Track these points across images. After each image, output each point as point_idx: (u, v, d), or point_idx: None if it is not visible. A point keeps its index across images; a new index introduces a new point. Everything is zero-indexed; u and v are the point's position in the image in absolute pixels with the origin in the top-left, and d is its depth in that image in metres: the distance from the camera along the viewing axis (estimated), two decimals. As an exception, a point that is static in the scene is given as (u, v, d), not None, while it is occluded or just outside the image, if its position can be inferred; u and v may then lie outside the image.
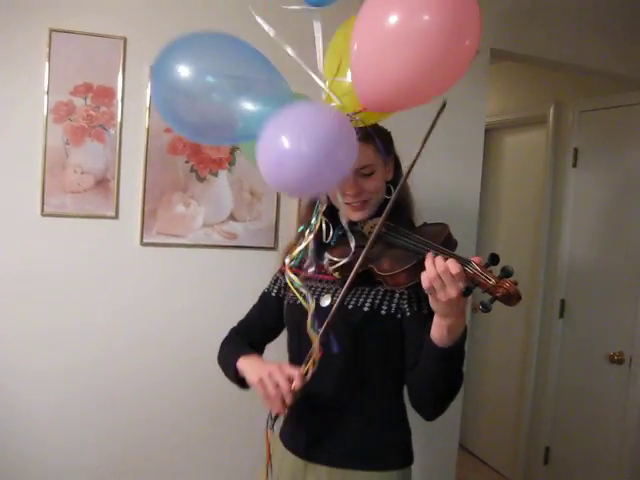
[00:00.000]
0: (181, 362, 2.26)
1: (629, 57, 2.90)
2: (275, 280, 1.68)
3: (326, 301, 1.47)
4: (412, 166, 1.31)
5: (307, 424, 1.51)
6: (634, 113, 3.07)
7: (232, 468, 2.35)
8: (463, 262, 1.17)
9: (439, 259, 1.16)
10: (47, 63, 2.02)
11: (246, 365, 1.44)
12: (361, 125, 1.35)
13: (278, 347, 1.65)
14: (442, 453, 2.70)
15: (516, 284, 1.12)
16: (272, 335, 1.68)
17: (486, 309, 1.11)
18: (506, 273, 1.12)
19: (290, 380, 1.30)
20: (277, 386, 1.29)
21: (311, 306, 1.34)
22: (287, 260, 1.42)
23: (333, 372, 1.45)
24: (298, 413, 1.47)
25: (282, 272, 1.63)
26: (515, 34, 2.66)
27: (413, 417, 1.47)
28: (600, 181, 3.28)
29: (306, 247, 1.40)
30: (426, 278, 1.16)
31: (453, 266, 1.14)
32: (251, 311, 1.71)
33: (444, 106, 1.27)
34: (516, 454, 3.79)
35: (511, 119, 3.97)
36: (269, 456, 1.49)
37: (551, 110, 3.61)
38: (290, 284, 1.40)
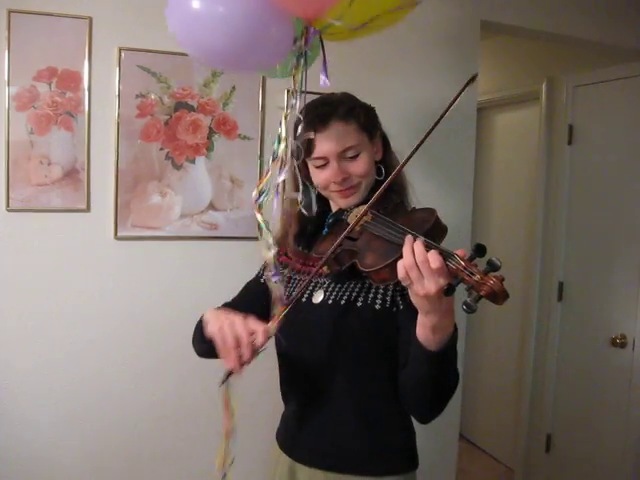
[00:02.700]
0: (163, 361, 2.17)
1: (622, 27, 2.79)
2: (264, 268, 1.56)
3: (319, 297, 1.38)
4: (419, 145, 1.25)
5: (302, 426, 1.42)
6: (631, 86, 2.96)
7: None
8: (445, 255, 1.03)
9: (419, 245, 1.03)
10: (7, 47, 1.91)
11: (211, 315, 1.28)
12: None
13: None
14: (442, 443, 2.63)
15: (502, 280, 0.98)
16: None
17: (470, 310, 0.97)
18: (492, 267, 0.98)
19: (252, 335, 1.16)
20: (237, 338, 1.15)
21: (270, 254, 1.23)
22: (254, 194, 1.25)
23: (327, 371, 1.36)
24: (293, 414, 1.42)
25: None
26: (505, 5, 2.55)
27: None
28: (597, 158, 3.18)
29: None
30: (402, 266, 1.04)
31: (433, 259, 1.01)
32: (235, 299, 1.57)
33: (474, 78, 1.19)
34: (517, 442, 3.72)
35: (502, 97, 3.87)
36: (228, 417, 1.28)
37: (543, 86, 3.50)
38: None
